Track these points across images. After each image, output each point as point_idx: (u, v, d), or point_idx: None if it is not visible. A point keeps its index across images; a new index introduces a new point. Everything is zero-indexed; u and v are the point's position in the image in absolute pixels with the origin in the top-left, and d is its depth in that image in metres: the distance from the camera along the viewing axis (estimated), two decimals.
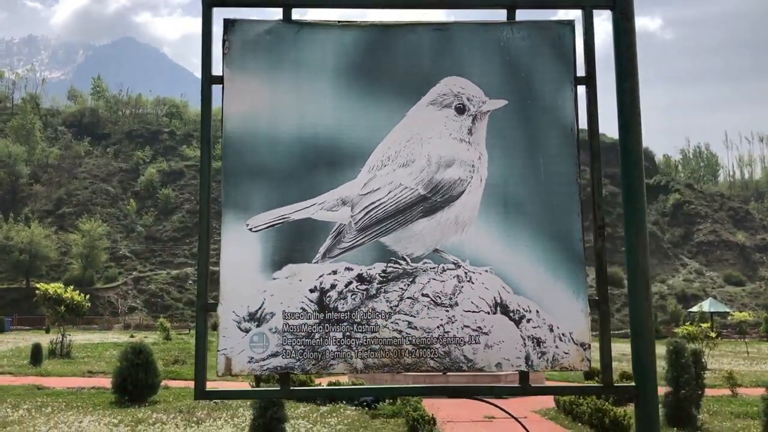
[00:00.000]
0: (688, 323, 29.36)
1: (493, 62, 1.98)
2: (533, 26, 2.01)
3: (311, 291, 1.88)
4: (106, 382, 16.45)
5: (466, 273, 1.92)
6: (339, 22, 1.96)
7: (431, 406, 11.73)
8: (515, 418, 2.33)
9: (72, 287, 25.25)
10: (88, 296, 25.63)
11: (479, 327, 1.89)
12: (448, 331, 1.88)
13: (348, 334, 1.86)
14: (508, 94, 1.97)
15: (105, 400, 13.37)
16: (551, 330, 1.90)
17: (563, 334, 1.91)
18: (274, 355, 1.84)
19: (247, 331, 1.87)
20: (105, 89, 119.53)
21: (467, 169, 1.93)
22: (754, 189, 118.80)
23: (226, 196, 1.93)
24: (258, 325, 1.86)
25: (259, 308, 1.87)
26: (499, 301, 1.91)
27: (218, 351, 1.89)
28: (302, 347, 1.85)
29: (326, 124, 1.94)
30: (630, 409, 11.97)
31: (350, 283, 1.89)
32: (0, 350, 26.96)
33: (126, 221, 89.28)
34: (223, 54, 1.96)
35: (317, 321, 1.86)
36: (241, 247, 1.92)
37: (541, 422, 12.00)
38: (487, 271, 1.92)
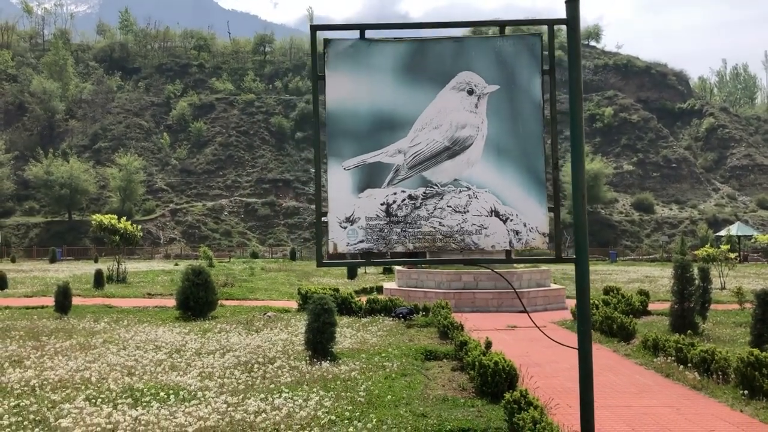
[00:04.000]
0: (707, 245, 30.33)
1: (490, 61, 3.19)
2: (516, 38, 3.19)
3: (381, 204, 3.18)
4: (167, 302, 18.29)
5: (473, 193, 3.19)
6: (394, 38, 3.16)
7: (459, 317, 13.15)
8: (536, 325, 3.63)
9: (125, 218, 27.06)
10: (139, 227, 27.47)
11: (482, 224, 3.18)
12: (463, 227, 3.17)
13: (403, 229, 3.16)
14: (499, 82, 3.19)
15: (170, 315, 15.11)
16: (525, 225, 3.18)
17: (532, 228, 3.19)
18: (361, 241, 3.16)
19: (344, 228, 3.18)
20: (133, 23, 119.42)
21: (474, 129, 3.18)
22: None
23: (330, 148, 3.21)
24: (351, 224, 3.18)
25: (351, 214, 3.18)
26: (493, 209, 3.19)
27: (329, 239, 3.21)
28: (377, 237, 3.16)
29: (387, 103, 3.18)
30: (634, 319, 13.34)
31: (404, 199, 3.18)
32: (60, 276, 29.08)
33: (160, 155, 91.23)
34: (324, 61, 3.19)
35: (385, 222, 3.16)
36: (339, 178, 3.21)
37: (558, 330, 13.44)
38: (486, 191, 3.19)
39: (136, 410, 6.76)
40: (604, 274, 34.24)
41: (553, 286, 19.85)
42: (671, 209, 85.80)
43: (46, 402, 7.15)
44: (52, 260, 49.76)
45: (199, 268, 15.21)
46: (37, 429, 6.18)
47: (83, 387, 7.89)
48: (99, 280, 22.31)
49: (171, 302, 17.65)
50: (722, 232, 57.58)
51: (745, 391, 7.55)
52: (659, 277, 30.92)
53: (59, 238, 67.74)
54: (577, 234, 3.14)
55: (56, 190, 71.96)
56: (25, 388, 7.81)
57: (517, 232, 3.11)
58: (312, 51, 3.13)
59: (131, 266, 37.12)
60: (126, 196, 75.16)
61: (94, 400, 7.22)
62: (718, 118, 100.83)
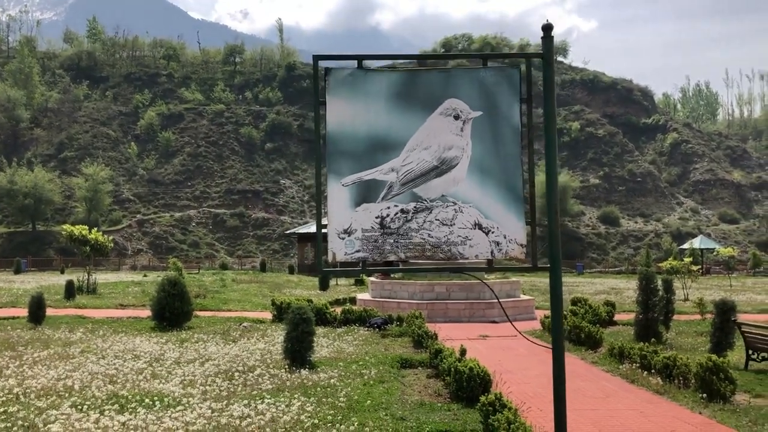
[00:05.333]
0: (671, 258, 31.26)
1: (474, 90, 3.55)
2: (497, 69, 3.56)
3: (376, 217, 3.51)
4: (140, 312, 18.31)
5: (459, 207, 3.54)
6: (388, 68, 3.49)
7: (432, 327, 13.48)
8: (513, 325, 3.97)
9: (96, 229, 26.91)
10: (111, 237, 27.32)
11: (466, 236, 3.53)
12: (450, 239, 3.51)
13: (396, 240, 3.48)
14: (482, 108, 3.54)
15: (146, 326, 15.17)
16: (505, 237, 3.54)
17: (511, 240, 3.54)
18: (358, 251, 3.48)
19: (342, 239, 3.50)
20: (101, 31, 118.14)
21: (460, 150, 3.53)
22: (752, 128, 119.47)
23: (329, 166, 3.52)
24: (349, 236, 3.49)
25: (349, 226, 3.50)
26: (477, 222, 3.54)
27: (328, 248, 3.52)
28: (372, 247, 3.48)
29: (382, 126, 3.52)
30: (600, 328, 13.82)
31: (397, 213, 3.51)
32: (27, 288, 28.71)
33: (128, 165, 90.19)
34: (325, 87, 3.52)
35: (379, 234, 3.49)
36: (338, 194, 3.52)
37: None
38: (470, 206, 3.53)
39: (123, 416, 6.94)
40: (571, 285, 34.94)
41: (523, 297, 20.33)
42: (636, 222, 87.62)
43: (32, 409, 7.29)
44: (17, 271, 48.91)
45: (174, 278, 15.32)
46: None
47: (67, 394, 8.03)
48: (70, 290, 22.15)
49: (144, 313, 17.69)
50: (685, 245, 59.08)
51: (704, 395, 8.01)
52: (625, 289, 31.70)
53: (23, 249, 66.45)
54: (551, 245, 3.50)
55: (20, 199, 70.62)
56: (9, 396, 7.92)
57: (497, 243, 3.46)
58: (314, 78, 3.45)
59: (100, 277, 36.69)
60: (92, 206, 74.09)
61: (80, 407, 7.37)
62: (681, 133, 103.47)
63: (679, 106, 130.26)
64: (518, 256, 3.54)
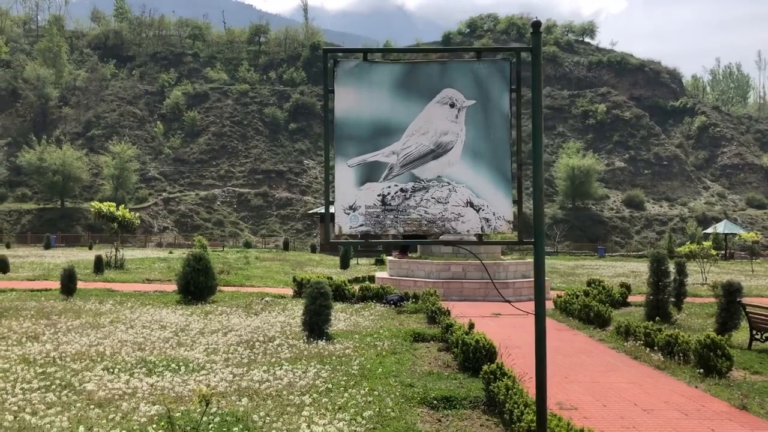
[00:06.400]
0: (689, 242, 31.29)
1: (468, 81, 3.92)
2: (490, 62, 3.93)
3: (378, 195, 3.92)
4: (165, 287, 18.99)
5: (453, 187, 3.93)
6: (391, 60, 3.88)
7: (447, 305, 13.90)
8: (498, 292, 4.37)
9: (123, 206, 27.65)
10: (137, 214, 28.06)
11: (459, 213, 3.92)
12: (444, 215, 3.91)
13: (395, 216, 3.89)
14: (476, 97, 3.92)
15: (171, 299, 15.81)
16: (494, 214, 3.93)
17: (499, 217, 3.93)
18: (361, 225, 3.90)
19: (348, 214, 3.91)
20: (127, 10, 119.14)
21: (455, 135, 3.91)
22: None
23: (337, 149, 3.93)
24: (353, 211, 3.91)
25: (354, 203, 3.92)
26: (469, 201, 3.93)
27: (335, 223, 3.94)
28: (374, 222, 3.89)
29: (384, 113, 3.91)
30: (610, 308, 14.12)
31: (396, 191, 3.92)
32: (57, 262, 29.66)
33: (154, 143, 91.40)
34: (333, 77, 3.91)
35: (381, 209, 3.90)
36: (345, 174, 3.93)
37: None
38: (463, 186, 3.92)
39: (151, 378, 7.50)
40: (591, 268, 35.12)
41: None
42: (661, 206, 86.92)
43: (68, 370, 7.88)
44: (47, 246, 50.27)
45: (199, 254, 15.91)
46: (65, 391, 6.90)
47: (99, 359, 8.61)
48: (99, 265, 22.94)
49: (170, 287, 18.36)
50: (709, 230, 58.65)
51: (702, 370, 8.36)
52: (645, 273, 31.74)
53: (51, 225, 68.05)
54: (535, 222, 3.88)
55: (49, 176, 72.09)
56: (47, 359, 8.52)
57: (487, 220, 3.86)
58: (324, 70, 3.85)
59: (127, 253, 37.63)
60: (119, 184, 75.40)
61: (111, 370, 7.95)
62: (710, 116, 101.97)
63: (708, 88, 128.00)
64: (505, 231, 3.93)
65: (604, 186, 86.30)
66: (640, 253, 63.60)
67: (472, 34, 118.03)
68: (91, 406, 6.31)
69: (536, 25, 3.91)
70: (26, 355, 8.77)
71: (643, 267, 38.45)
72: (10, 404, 6.33)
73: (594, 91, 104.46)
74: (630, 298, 17.73)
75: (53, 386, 7.10)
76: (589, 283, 19.63)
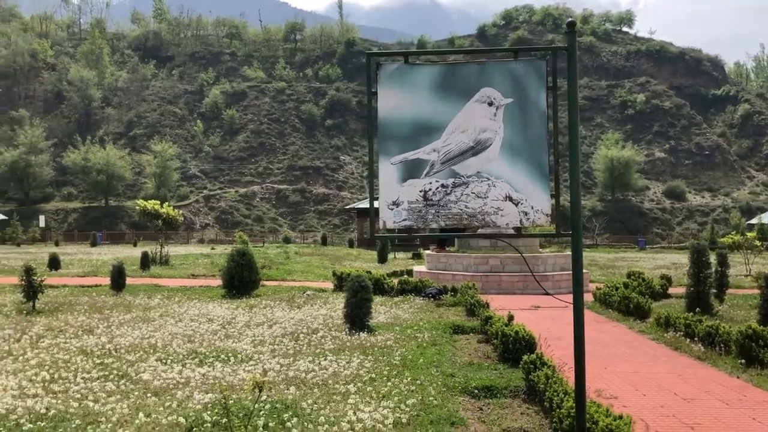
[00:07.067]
0: (732, 233, 30.71)
1: (506, 80, 4.10)
2: (527, 62, 4.09)
3: (420, 191, 4.12)
4: (210, 282, 19.50)
5: (492, 182, 4.11)
6: (431, 62, 4.08)
7: (485, 298, 14.02)
8: (537, 281, 4.54)
9: (167, 203, 28.37)
10: (180, 211, 28.76)
11: (498, 207, 4.10)
12: (484, 209, 4.10)
13: (437, 210, 4.09)
14: (513, 95, 4.09)
15: (216, 293, 16.27)
16: (532, 208, 4.10)
17: (537, 210, 4.10)
18: (405, 220, 4.10)
19: (391, 209, 4.13)
20: (166, 11, 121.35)
21: (493, 133, 4.09)
22: None
23: (380, 148, 4.14)
24: (397, 207, 4.12)
25: (397, 199, 4.13)
26: (508, 195, 4.10)
27: (379, 218, 4.15)
28: (416, 216, 4.10)
29: (425, 113, 4.11)
30: (650, 300, 14.06)
31: (437, 187, 4.11)
32: (104, 259, 30.58)
33: (194, 142, 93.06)
34: (376, 79, 4.12)
35: (423, 204, 4.10)
36: (388, 172, 4.15)
37: None
38: (502, 181, 4.10)
39: (203, 368, 7.84)
40: (631, 260, 34.75)
41: None
42: (703, 197, 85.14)
43: (123, 361, 8.27)
44: (93, 244, 51.73)
45: (243, 249, 16.33)
46: (122, 381, 7.27)
47: (152, 351, 9.00)
48: (145, 261, 23.65)
49: (214, 282, 18.86)
50: (753, 220, 57.41)
51: (743, 361, 8.36)
52: (686, 264, 31.28)
53: (96, 223, 69.97)
54: (573, 214, 4.04)
55: (93, 176, 74.16)
56: (103, 351, 8.95)
57: (525, 213, 4.03)
58: (367, 72, 4.06)
59: (170, 250, 38.58)
60: (161, 182, 77.08)
61: (164, 361, 8.32)
62: (754, 104, 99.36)
63: (752, 75, 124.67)
64: (544, 224, 4.09)
65: (644, 177, 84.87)
66: (681, 244, 62.52)
67: (507, 26, 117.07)
68: (148, 395, 6.65)
69: (571, 24, 4.05)
70: (84, 347, 9.21)
71: (684, 259, 37.79)
72: (73, 392, 6.72)
73: (633, 81, 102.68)
74: (670, 290, 17.59)
75: (111, 376, 7.48)
76: (629, 275, 19.51)
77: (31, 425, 5.54)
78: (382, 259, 30.67)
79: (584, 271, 20.62)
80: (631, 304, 12.84)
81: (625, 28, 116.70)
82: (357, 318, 10.64)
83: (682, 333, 10.15)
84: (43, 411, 5.99)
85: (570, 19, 4.03)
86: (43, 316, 12.23)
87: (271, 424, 5.53)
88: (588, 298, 16.49)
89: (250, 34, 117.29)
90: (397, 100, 4.14)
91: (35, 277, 13.20)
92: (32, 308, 13.06)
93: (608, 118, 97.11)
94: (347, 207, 69.15)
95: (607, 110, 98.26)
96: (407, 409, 6.11)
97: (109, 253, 37.21)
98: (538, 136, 4.10)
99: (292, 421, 5.57)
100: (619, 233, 70.39)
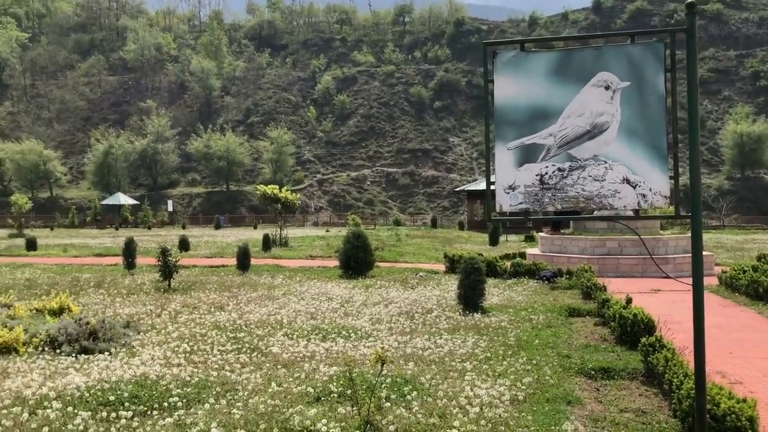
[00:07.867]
0: None
1: (622, 64, 4.13)
2: (644, 45, 4.10)
3: (536, 175, 4.25)
4: (327, 263, 20.26)
5: (609, 165, 4.17)
6: (547, 49, 4.18)
7: (602, 281, 13.76)
8: (657, 264, 4.56)
9: (285, 188, 29.61)
10: (298, 195, 29.92)
11: (615, 190, 4.16)
12: (601, 192, 4.17)
13: (553, 194, 4.21)
14: (630, 79, 4.12)
15: (333, 274, 16.94)
16: (650, 190, 4.12)
17: (656, 192, 4.12)
18: (521, 203, 4.25)
19: (508, 193, 4.29)
20: (279, 1, 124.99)
21: (610, 116, 4.14)
22: None
23: (496, 133, 4.30)
24: (513, 191, 4.27)
25: (513, 183, 4.28)
26: (625, 178, 4.15)
27: (495, 201, 4.32)
28: (533, 200, 4.23)
29: (541, 98, 4.22)
30: None
31: (554, 171, 4.22)
32: (228, 241, 32.32)
33: (307, 128, 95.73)
34: (493, 68, 4.28)
35: (539, 188, 4.23)
36: (504, 156, 4.30)
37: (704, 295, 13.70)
38: (619, 164, 4.15)
39: (326, 343, 8.32)
40: (762, 243, 32.63)
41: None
42: None
43: (254, 335, 8.91)
44: (217, 227, 54.72)
45: (358, 232, 16.89)
46: (254, 353, 7.87)
47: (278, 326, 9.62)
48: (267, 243, 24.88)
49: (331, 263, 19.60)
50: None
51: None
52: None
53: (218, 207, 73.85)
54: (693, 196, 4.03)
55: (215, 162, 78.21)
56: (234, 326, 9.66)
57: (644, 195, 4.06)
58: (484, 62, 4.22)
59: (288, 232, 40.21)
60: (277, 167, 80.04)
61: (290, 336, 8.89)
62: None
63: None
64: (662, 206, 4.11)
65: None
66: (755, 225, 57.76)
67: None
68: (278, 366, 7.18)
69: (691, 5, 4.01)
70: (217, 322, 9.98)
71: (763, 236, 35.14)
72: (211, 362, 7.36)
73: (766, 50, 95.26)
74: None
75: (243, 349, 8.10)
76: (759, 258, 18.46)
77: (179, 390, 6.16)
78: (494, 241, 30.54)
79: (708, 253, 19.76)
80: (760, 287, 12.22)
81: None
82: (470, 299, 10.83)
83: None
84: (187, 378, 6.63)
85: (689, 0, 4.00)
86: (178, 294, 13.28)
87: (393, 396, 5.85)
88: (713, 281, 15.79)
89: (359, 18, 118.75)
90: (513, 87, 4.27)
91: (170, 258, 14.31)
92: (168, 287, 14.19)
93: (737, 91, 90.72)
94: (457, 189, 68.95)
95: (736, 82, 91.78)
96: (523, 387, 6.26)
97: (231, 236, 39.29)
98: (656, 118, 4.10)
99: (412, 395, 5.87)
100: (749, 214, 65.92)
